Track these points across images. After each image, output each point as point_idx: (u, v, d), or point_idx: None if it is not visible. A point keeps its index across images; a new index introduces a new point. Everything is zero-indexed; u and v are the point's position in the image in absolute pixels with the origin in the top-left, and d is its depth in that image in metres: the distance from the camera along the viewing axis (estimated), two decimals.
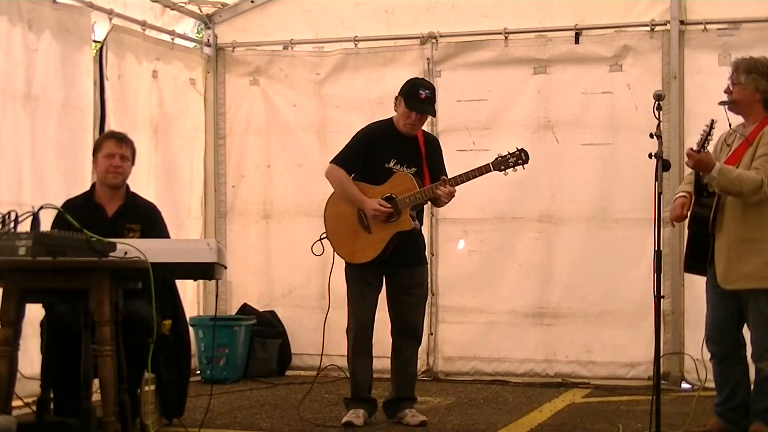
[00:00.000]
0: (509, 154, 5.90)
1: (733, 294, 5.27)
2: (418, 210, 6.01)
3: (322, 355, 6.41)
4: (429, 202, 6.08)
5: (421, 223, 6.07)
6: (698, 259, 5.37)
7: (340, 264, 6.05)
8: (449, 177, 5.90)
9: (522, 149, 5.92)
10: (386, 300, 6.04)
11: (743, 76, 5.28)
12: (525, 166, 5.93)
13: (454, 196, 5.90)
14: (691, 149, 5.12)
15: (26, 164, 6.49)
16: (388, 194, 5.89)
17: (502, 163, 5.90)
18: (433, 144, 6.15)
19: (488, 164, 5.89)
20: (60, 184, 6.58)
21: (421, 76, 7.85)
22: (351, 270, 6.00)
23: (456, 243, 7.92)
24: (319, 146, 8.17)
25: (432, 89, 6.03)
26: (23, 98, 6.48)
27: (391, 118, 6.07)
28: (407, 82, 6.07)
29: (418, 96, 5.92)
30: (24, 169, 6.47)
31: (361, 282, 5.96)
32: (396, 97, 6.02)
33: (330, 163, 6.06)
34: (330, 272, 6.04)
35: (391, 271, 5.98)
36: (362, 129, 6.15)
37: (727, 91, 5.31)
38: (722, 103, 5.35)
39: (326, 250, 6.05)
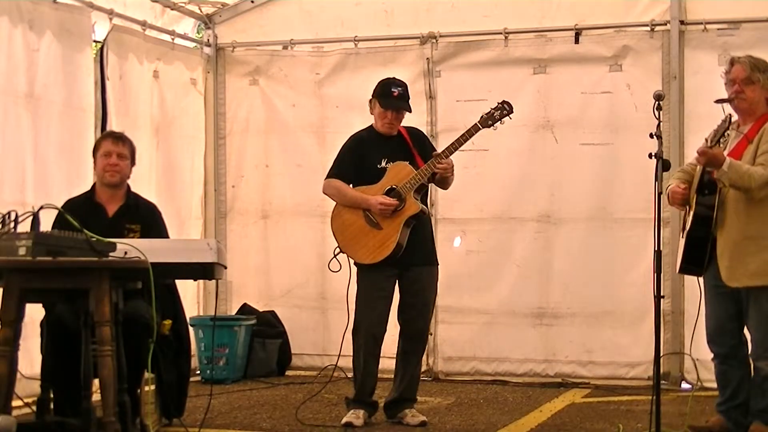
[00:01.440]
0: (493, 109, 5.95)
1: (734, 293, 5.26)
2: (423, 195, 6.00)
3: (339, 355, 6.35)
4: (435, 185, 6.08)
5: (428, 210, 6.07)
6: (694, 262, 5.33)
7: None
8: (442, 150, 5.91)
9: (504, 101, 5.98)
10: (398, 303, 6.02)
11: (759, 74, 5.23)
12: (511, 116, 5.97)
13: (453, 167, 5.89)
14: (704, 146, 5.09)
15: (29, 164, 6.50)
16: (389, 187, 5.89)
17: (489, 119, 5.94)
18: (418, 135, 6.17)
19: (475, 124, 5.91)
20: (62, 184, 6.58)
21: (420, 76, 7.90)
22: (363, 276, 5.97)
23: (458, 245, 7.91)
24: (318, 146, 8.17)
25: (404, 86, 6.07)
26: (25, 98, 6.49)
27: (371, 125, 6.11)
28: (378, 83, 6.10)
29: (391, 94, 5.96)
30: (27, 169, 6.48)
31: (375, 288, 5.92)
32: (370, 100, 6.07)
33: (324, 180, 6.06)
34: (348, 284, 5.96)
35: (404, 273, 5.94)
36: (347, 140, 6.17)
37: (738, 90, 5.22)
38: (720, 100, 5.32)
39: (343, 267, 5.97)
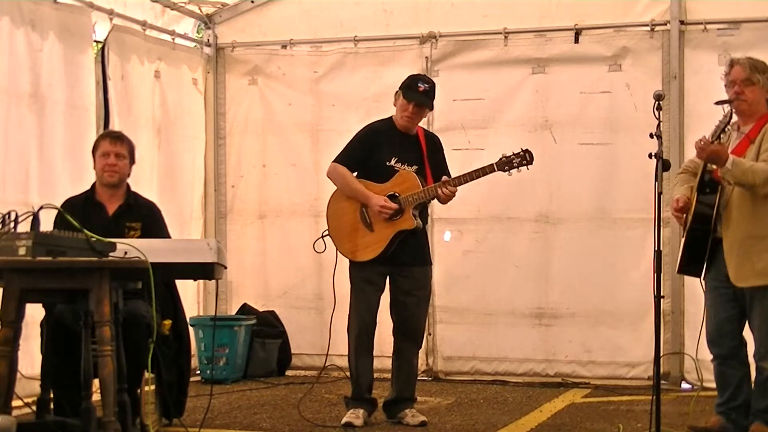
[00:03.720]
0: (514, 154, 5.89)
1: (736, 294, 5.25)
2: (422, 209, 6.01)
3: (328, 348, 6.39)
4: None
5: (425, 222, 6.07)
6: (694, 262, 5.33)
7: (343, 263, 6.02)
8: (452, 177, 5.90)
9: (527, 150, 5.91)
10: (389, 300, 6.03)
11: (758, 75, 5.23)
12: (530, 166, 5.91)
13: (455, 196, 5.90)
14: (703, 140, 5.09)
15: (32, 164, 6.50)
16: (392, 192, 5.89)
17: (506, 164, 5.89)
18: (434, 142, 6.16)
19: (492, 164, 5.88)
20: (66, 184, 6.57)
21: None
22: (354, 269, 5.98)
23: (449, 240, 7.90)
24: (311, 145, 8.17)
25: (432, 85, 6.06)
26: (29, 98, 6.49)
27: (391, 117, 6.08)
28: (409, 76, 6.09)
29: (417, 88, 5.95)
30: (30, 169, 6.48)
31: (365, 282, 5.94)
32: (396, 92, 6.05)
33: (331, 162, 6.06)
34: (334, 271, 6.01)
35: (395, 271, 5.95)
36: (363, 127, 6.15)
37: (739, 92, 5.21)
38: (720, 102, 5.32)
39: (328, 248, 6.01)
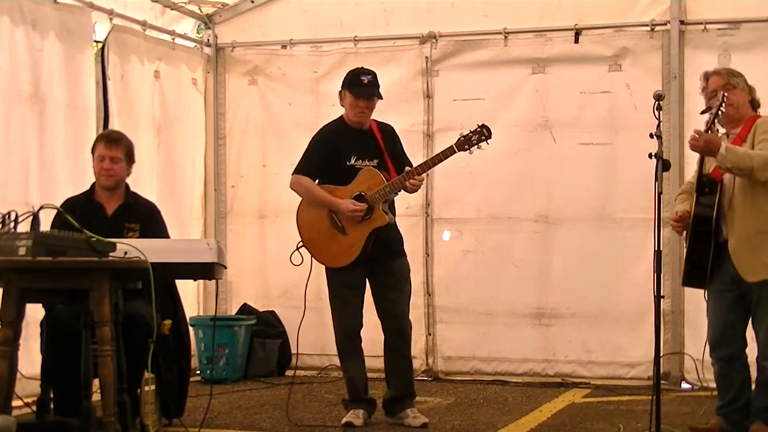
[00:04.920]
0: (471, 132, 5.86)
1: (742, 295, 5.24)
2: (390, 203, 5.97)
3: (297, 354, 6.38)
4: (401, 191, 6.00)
5: (394, 215, 6.02)
6: (698, 271, 5.30)
7: (318, 269, 6.01)
8: (415, 166, 5.88)
9: (483, 125, 5.87)
10: (373, 300, 6.01)
11: (736, 79, 5.28)
12: (489, 141, 5.87)
13: (422, 184, 5.89)
14: (698, 129, 5.10)
15: (33, 164, 6.50)
16: (358, 192, 5.86)
17: (465, 143, 5.86)
18: (389, 133, 6.10)
19: (452, 146, 5.85)
20: (66, 184, 6.57)
21: (417, 75, 7.91)
22: (332, 274, 5.97)
23: (448, 239, 7.89)
24: None
25: (373, 74, 5.99)
26: (29, 98, 6.49)
27: (341, 117, 6.05)
28: (347, 74, 6.04)
29: (361, 83, 5.91)
30: (31, 169, 6.48)
31: (344, 287, 5.93)
32: (339, 92, 6.02)
33: (292, 174, 6.03)
34: (307, 279, 5.97)
35: (373, 269, 5.93)
36: (316, 133, 6.12)
37: (722, 100, 5.19)
38: (706, 110, 5.30)
39: (305, 259, 5.99)
